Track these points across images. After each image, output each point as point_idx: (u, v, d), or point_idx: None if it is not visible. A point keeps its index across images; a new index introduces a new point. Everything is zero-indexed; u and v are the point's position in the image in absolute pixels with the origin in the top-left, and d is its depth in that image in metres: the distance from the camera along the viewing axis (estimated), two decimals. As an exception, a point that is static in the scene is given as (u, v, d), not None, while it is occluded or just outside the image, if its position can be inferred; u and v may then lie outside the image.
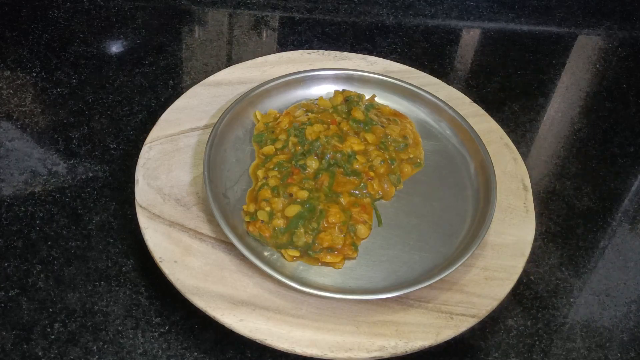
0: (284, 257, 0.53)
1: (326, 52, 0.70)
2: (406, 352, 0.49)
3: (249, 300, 0.50)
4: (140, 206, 0.54)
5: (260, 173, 0.57)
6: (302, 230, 0.53)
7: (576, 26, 0.86)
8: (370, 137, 0.60)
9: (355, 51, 0.74)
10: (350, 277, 0.52)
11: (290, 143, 0.59)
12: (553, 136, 0.72)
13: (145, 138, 0.59)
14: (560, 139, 0.71)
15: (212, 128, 0.59)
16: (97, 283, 0.53)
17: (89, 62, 0.71)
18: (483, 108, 0.67)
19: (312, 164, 0.57)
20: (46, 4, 0.77)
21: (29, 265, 0.54)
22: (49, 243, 0.55)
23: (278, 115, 0.62)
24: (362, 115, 0.61)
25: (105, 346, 0.50)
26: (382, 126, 0.62)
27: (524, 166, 0.62)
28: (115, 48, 0.74)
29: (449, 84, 0.69)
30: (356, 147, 0.59)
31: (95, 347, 0.49)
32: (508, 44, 0.82)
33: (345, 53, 0.70)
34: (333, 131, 0.60)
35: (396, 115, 0.64)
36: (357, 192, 0.57)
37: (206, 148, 0.57)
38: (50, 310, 0.51)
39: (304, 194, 0.55)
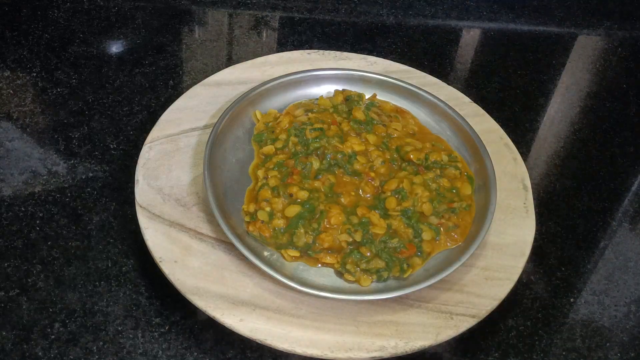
0: (283, 257, 0.53)
1: (326, 52, 0.70)
2: (406, 352, 0.49)
3: (249, 300, 0.50)
4: (140, 206, 0.54)
5: (260, 173, 0.57)
6: (302, 230, 0.53)
7: (576, 26, 0.86)
8: (371, 138, 0.60)
9: (355, 51, 0.74)
10: (350, 277, 0.52)
11: (290, 143, 0.59)
12: (553, 136, 0.72)
13: (145, 138, 0.59)
14: (560, 139, 0.71)
15: (212, 128, 0.59)
16: (97, 283, 0.53)
17: (89, 62, 0.71)
18: (483, 108, 0.67)
19: (313, 164, 0.57)
20: (46, 4, 0.77)
21: (29, 265, 0.54)
22: (49, 243, 0.55)
23: (278, 115, 0.62)
24: (362, 116, 0.61)
25: (105, 346, 0.50)
26: (384, 125, 0.62)
27: (524, 166, 0.62)
28: (115, 48, 0.74)
29: (449, 84, 0.69)
30: (357, 148, 0.59)
31: (95, 347, 0.49)
32: (508, 44, 0.82)
33: (345, 53, 0.70)
34: (334, 132, 0.59)
35: (397, 111, 0.64)
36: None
37: (206, 148, 0.57)
38: (50, 310, 0.51)
39: (304, 194, 0.55)
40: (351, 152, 0.58)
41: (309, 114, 0.61)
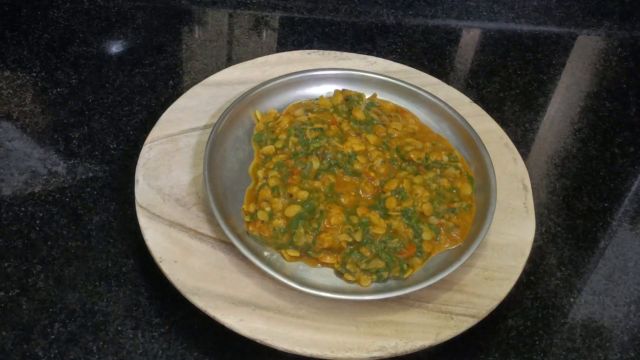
0: (283, 257, 0.53)
1: (326, 52, 0.70)
2: (406, 352, 0.49)
3: (249, 300, 0.50)
4: (140, 206, 0.54)
5: (260, 173, 0.57)
6: (302, 230, 0.53)
7: (576, 26, 0.86)
8: (371, 138, 0.60)
9: (355, 51, 0.74)
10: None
11: (290, 143, 0.59)
12: (553, 136, 0.72)
13: (145, 138, 0.59)
14: (560, 139, 0.71)
15: (212, 128, 0.59)
16: (97, 283, 0.53)
17: (89, 62, 0.71)
18: (483, 108, 0.67)
19: (313, 164, 0.57)
20: (46, 4, 0.77)
21: (29, 265, 0.54)
22: (49, 243, 0.55)
23: (278, 115, 0.62)
24: (362, 116, 0.61)
25: (105, 346, 0.50)
26: (384, 125, 0.62)
27: (524, 166, 0.62)
28: (115, 48, 0.74)
29: (449, 84, 0.69)
30: (357, 148, 0.59)
31: (95, 347, 0.49)
32: (508, 44, 0.82)
33: (345, 53, 0.70)
34: (334, 132, 0.59)
35: (398, 111, 0.64)
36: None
37: (206, 148, 0.57)
38: (50, 310, 0.51)
39: (304, 194, 0.55)
40: (351, 152, 0.58)
41: (309, 114, 0.62)
